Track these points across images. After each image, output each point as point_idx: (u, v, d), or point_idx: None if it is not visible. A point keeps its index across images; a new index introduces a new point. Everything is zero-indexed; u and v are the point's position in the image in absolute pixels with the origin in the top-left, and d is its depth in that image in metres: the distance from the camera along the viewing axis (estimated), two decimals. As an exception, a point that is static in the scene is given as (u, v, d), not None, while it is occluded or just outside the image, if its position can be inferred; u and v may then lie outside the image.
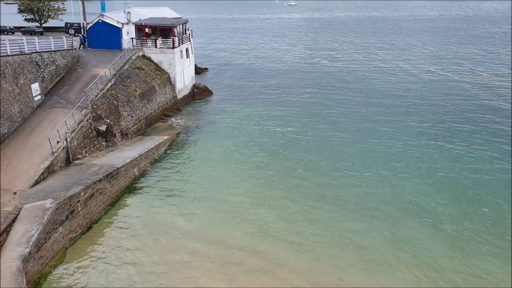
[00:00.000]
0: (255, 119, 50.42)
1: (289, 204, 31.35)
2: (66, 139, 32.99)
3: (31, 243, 22.39)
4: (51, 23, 78.99)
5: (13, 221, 24.08)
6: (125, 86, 45.54)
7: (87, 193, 28.72)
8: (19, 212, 24.86)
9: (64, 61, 45.41)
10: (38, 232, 23.23)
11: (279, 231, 28.00)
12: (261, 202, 31.58)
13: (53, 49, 44.26)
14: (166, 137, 42.77)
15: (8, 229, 23.35)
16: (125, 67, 47.81)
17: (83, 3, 58.37)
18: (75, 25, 68.45)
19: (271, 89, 65.21)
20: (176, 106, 54.52)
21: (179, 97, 56.47)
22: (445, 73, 76.58)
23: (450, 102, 57.97)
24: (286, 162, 38.36)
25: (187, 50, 60.10)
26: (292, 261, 24.91)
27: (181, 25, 59.15)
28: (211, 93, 62.71)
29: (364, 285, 22.91)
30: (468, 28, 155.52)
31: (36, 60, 40.14)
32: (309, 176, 35.70)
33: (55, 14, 77.68)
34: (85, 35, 56.43)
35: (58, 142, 32.42)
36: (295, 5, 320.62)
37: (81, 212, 27.92)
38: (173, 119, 50.81)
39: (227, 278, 23.48)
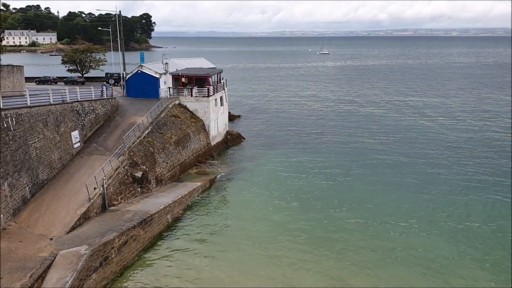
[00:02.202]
0: (288, 167, 50.30)
1: (321, 259, 30.59)
2: (103, 186, 33.64)
3: (65, 289, 22.49)
4: (92, 73, 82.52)
5: (48, 267, 24.33)
6: (161, 133, 46.55)
7: (121, 240, 28.90)
8: (54, 258, 25.16)
9: (103, 109, 47.01)
10: (72, 278, 23.36)
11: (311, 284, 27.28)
12: (293, 257, 30.84)
13: (93, 98, 45.99)
14: (199, 184, 43.05)
15: (43, 275, 23.57)
16: (162, 115, 49.04)
17: (123, 54, 60.88)
18: (115, 75, 71.21)
19: (304, 136, 65.35)
20: (209, 153, 55.13)
21: (213, 143, 57.20)
22: (483, 123, 75.23)
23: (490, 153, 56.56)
24: (320, 214, 37.62)
25: (221, 98, 61.36)
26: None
27: (216, 75, 60.71)
28: (244, 139, 63.30)
29: None
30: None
31: (77, 108, 41.69)
32: (346, 233, 34.93)
33: (96, 65, 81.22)
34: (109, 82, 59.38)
35: (95, 188, 33.07)
36: (328, 53, 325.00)
37: (114, 259, 28.02)
38: (206, 166, 51.25)
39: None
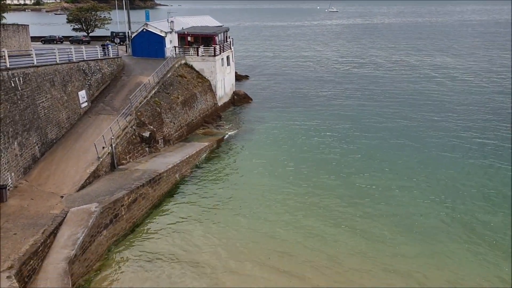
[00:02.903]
0: (295, 128, 50.27)
1: (328, 214, 31.08)
2: (111, 145, 33.95)
3: (76, 245, 23.10)
4: (97, 32, 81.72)
5: (60, 224, 24.91)
6: (168, 93, 46.49)
7: (131, 198, 29.42)
8: (65, 215, 25.72)
9: (109, 69, 46.85)
10: (83, 235, 23.95)
11: (319, 238, 27.74)
12: (300, 212, 31.33)
13: (99, 58, 45.76)
14: (206, 144, 43.30)
15: (55, 232, 24.17)
16: (168, 75, 48.82)
17: (128, 13, 60.08)
18: (121, 34, 70.52)
19: (312, 96, 65.00)
20: (216, 113, 55.13)
21: (219, 104, 57.10)
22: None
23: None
24: (326, 175, 37.83)
25: (228, 57, 60.77)
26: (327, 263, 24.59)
27: (222, 33, 59.92)
28: (251, 100, 63.07)
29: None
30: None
31: (83, 68, 41.58)
32: (353, 191, 35.30)
33: (101, 24, 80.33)
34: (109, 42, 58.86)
35: (103, 147, 33.40)
36: (337, 11, 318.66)
37: (124, 216, 28.61)
38: (214, 126, 51.35)
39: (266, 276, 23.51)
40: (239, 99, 62.15)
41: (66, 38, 75.27)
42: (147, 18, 65.29)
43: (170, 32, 57.53)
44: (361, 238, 27.81)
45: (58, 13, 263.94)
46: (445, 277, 23.99)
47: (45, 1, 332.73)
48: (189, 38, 56.90)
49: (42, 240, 22.64)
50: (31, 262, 21.22)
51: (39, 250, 22.04)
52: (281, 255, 26.05)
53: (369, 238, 27.76)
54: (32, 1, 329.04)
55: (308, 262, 25.29)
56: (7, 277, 19.18)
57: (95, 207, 26.55)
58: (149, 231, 29.00)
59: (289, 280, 23.86)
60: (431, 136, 46.74)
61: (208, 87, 54.93)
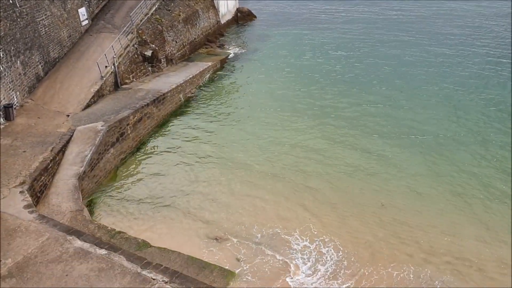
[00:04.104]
0: (301, 46, 49.47)
1: (331, 130, 31.41)
2: (113, 64, 33.74)
3: (85, 162, 23.74)
4: None
5: (68, 142, 25.44)
6: (169, 10, 45.29)
7: (136, 117, 29.75)
8: (72, 134, 26.20)
9: (109, -15, 45.26)
10: (91, 152, 24.54)
11: (321, 156, 28.21)
12: (306, 129, 31.67)
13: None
14: (210, 63, 42.90)
15: (63, 149, 24.75)
16: (169, -9, 47.27)
17: None
18: None
19: (319, 15, 63.20)
20: (219, 31, 54.01)
21: (222, 22, 55.77)
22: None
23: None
24: (330, 92, 37.84)
25: (231, -28, 58.49)
26: (337, 184, 25.26)
27: None
28: (255, 17, 61.48)
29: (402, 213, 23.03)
30: None
31: (81, -16, 40.25)
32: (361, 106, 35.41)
33: None
34: None
35: (106, 66, 33.23)
36: None
37: (130, 135, 29.11)
38: (217, 45, 50.55)
39: (267, 192, 24.27)
40: (242, 17, 60.59)
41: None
42: None
43: None
44: (363, 155, 28.27)
45: None
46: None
47: None
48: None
49: (51, 158, 23.26)
50: (42, 178, 21.96)
51: (49, 167, 22.72)
52: (285, 167, 26.73)
53: (371, 156, 28.24)
54: None
55: (314, 174, 25.91)
56: (20, 192, 19.94)
57: (101, 126, 26.96)
58: (154, 149, 29.62)
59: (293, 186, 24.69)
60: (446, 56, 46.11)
61: (210, 4, 53.32)
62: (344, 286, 17.36)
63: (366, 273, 18.08)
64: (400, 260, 18.85)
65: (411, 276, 17.88)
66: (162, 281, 13.34)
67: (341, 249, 19.51)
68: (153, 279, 13.43)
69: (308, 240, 20.17)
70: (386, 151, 28.51)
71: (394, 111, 34.29)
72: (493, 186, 24.42)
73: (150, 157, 28.65)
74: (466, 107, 34.66)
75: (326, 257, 19.01)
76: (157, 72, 39.16)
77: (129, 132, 28.97)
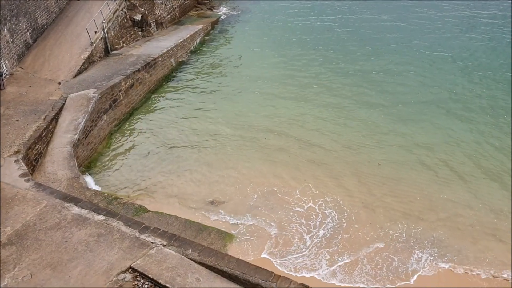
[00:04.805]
0: (295, 6, 48.69)
1: (324, 91, 31.33)
2: (103, 29, 33.18)
3: (79, 130, 23.65)
4: None
5: (60, 109, 25.26)
6: (158, -28, 44.23)
7: (128, 83, 29.51)
8: (65, 101, 25.98)
9: None
10: (84, 120, 24.42)
11: (315, 118, 28.19)
12: (298, 96, 31.57)
13: None
14: (201, 27, 42.28)
15: (56, 117, 24.60)
16: (157, -48, 46.03)
17: None
18: None
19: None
20: (210, -7, 52.99)
21: (212, -17, 54.62)
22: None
23: None
24: (321, 56, 37.55)
25: None
26: (331, 145, 25.33)
27: None
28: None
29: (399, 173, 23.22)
30: None
31: None
32: (351, 65, 35.18)
33: None
34: None
35: (95, 32, 32.68)
36: None
37: (123, 101, 28.94)
38: (207, 7, 49.67)
39: (257, 157, 24.31)
40: (232, -22, 59.30)
41: None
42: None
43: None
44: (356, 119, 28.35)
45: None
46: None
47: None
48: None
49: (45, 126, 23.12)
50: (37, 147, 21.91)
51: (43, 135, 22.63)
52: (281, 124, 26.72)
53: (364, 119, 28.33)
54: None
55: (312, 137, 25.88)
56: (15, 161, 19.90)
57: (93, 93, 26.74)
58: (147, 115, 29.50)
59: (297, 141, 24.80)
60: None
61: (200, -35, 52.11)
62: (338, 246, 17.71)
63: (363, 235, 18.35)
64: (396, 219, 19.13)
65: (404, 235, 18.20)
66: (161, 244, 13.55)
67: (340, 210, 19.76)
68: (152, 242, 13.63)
69: (307, 201, 20.37)
70: (380, 114, 28.54)
71: (390, 77, 34.19)
72: (488, 143, 24.61)
73: (143, 123, 28.57)
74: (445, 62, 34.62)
75: (325, 218, 19.25)
76: (147, 36, 38.61)
77: (121, 98, 28.79)
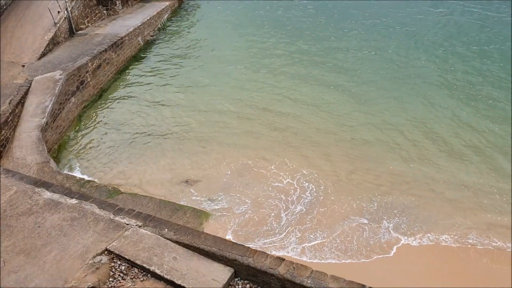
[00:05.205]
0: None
1: (293, 65, 31.31)
2: (66, 9, 32.17)
3: (46, 113, 23.10)
4: None
5: (26, 93, 24.57)
6: (121, -52, 42.90)
7: (95, 64, 28.85)
8: (30, 84, 25.27)
9: None
10: (52, 103, 23.84)
11: (287, 90, 28.19)
12: (271, 68, 31.43)
13: None
14: (167, 3, 41.47)
15: (22, 101, 23.94)
16: None
17: None
18: None
19: None
20: (175, -31, 51.76)
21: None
22: None
23: None
24: (296, 34, 37.40)
25: None
26: (308, 117, 25.45)
27: None
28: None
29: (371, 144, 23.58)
30: None
31: None
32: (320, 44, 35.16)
33: None
34: None
35: (58, 12, 31.67)
36: None
37: (91, 82, 28.33)
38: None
39: (223, 134, 24.24)
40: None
41: None
42: None
43: None
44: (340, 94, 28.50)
45: None
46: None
47: None
48: None
49: (10, 110, 22.49)
50: (3, 132, 21.33)
51: (8, 120, 22.02)
52: (253, 106, 26.66)
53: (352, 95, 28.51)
54: None
55: (282, 113, 25.96)
56: (-19, 147, 19.41)
57: (60, 75, 26.06)
58: (116, 95, 28.98)
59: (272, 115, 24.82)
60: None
61: None
62: (314, 222, 17.97)
63: (338, 208, 18.65)
64: (368, 190, 19.50)
65: (375, 206, 18.59)
66: (136, 225, 13.50)
67: (313, 184, 19.97)
68: (127, 224, 13.56)
69: (283, 175, 20.49)
70: (352, 87, 28.74)
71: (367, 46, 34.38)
72: (458, 114, 25.15)
73: (112, 103, 28.07)
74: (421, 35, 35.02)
75: (301, 193, 19.43)
76: (113, 15, 37.68)
77: (89, 79, 28.17)
